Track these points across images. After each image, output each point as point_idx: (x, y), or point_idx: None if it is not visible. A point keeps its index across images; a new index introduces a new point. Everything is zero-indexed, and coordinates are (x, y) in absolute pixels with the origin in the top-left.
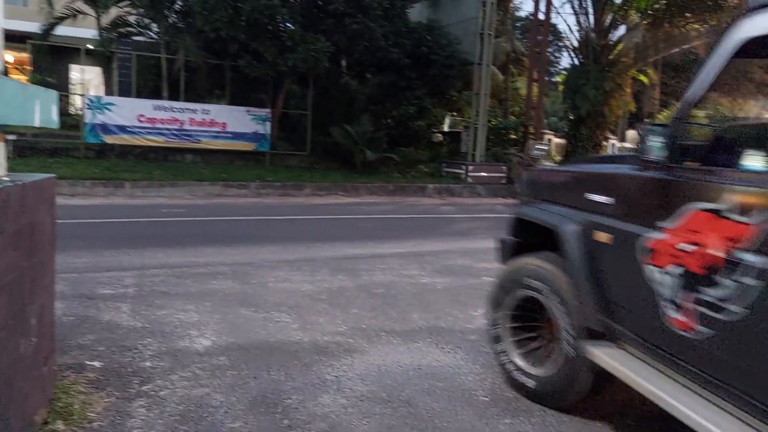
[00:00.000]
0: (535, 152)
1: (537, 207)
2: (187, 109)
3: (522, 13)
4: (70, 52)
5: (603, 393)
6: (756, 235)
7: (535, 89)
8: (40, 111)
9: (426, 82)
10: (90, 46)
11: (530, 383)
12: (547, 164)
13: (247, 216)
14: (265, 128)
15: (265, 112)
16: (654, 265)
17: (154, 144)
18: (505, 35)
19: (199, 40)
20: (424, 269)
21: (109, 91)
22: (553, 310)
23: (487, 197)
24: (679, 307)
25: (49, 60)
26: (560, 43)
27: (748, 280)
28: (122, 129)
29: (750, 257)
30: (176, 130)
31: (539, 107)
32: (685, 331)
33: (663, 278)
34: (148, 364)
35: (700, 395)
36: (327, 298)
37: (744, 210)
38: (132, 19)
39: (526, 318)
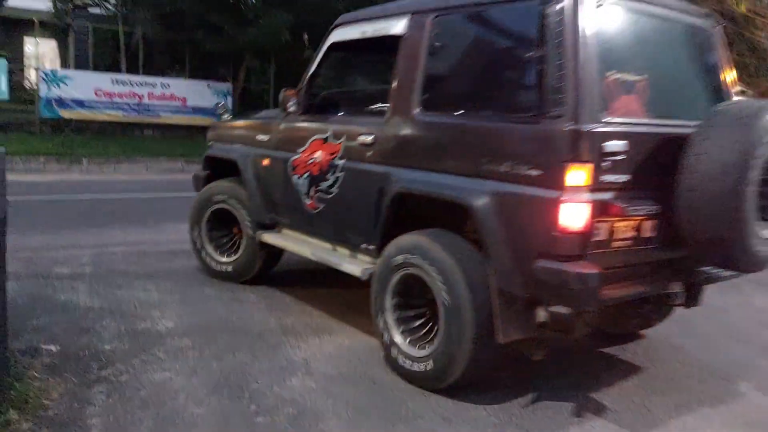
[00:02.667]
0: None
1: (222, 148)
2: (146, 83)
3: None
4: (24, 24)
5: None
6: (341, 149)
7: None
8: None
9: None
10: (44, 19)
11: (229, 269)
12: (226, 117)
13: None
14: (226, 103)
15: (226, 86)
16: (296, 174)
17: (112, 119)
18: None
19: (156, 13)
20: None
21: (65, 65)
22: (237, 213)
23: None
24: (310, 197)
25: (2, 32)
26: None
27: (339, 173)
28: (79, 103)
29: (340, 162)
30: (135, 104)
31: None
32: (313, 209)
33: (301, 181)
34: (107, 346)
35: (324, 245)
36: (298, 278)
37: (336, 136)
38: None
39: (219, 225)
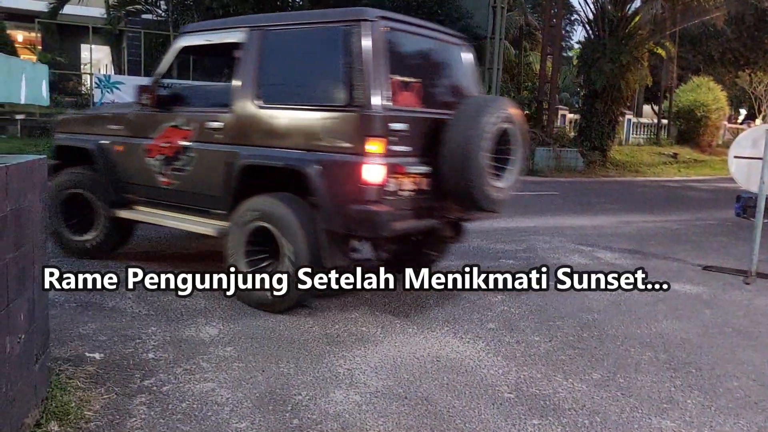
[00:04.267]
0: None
1: (73, 138)
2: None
3: None
4: (80, 30)
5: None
6: (191, 134)
7: (549, 64)
8: (27, 86)
9: None
10: (98, 25)
11: (88, 245)
12: (70, 111)
13: None
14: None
15: None
16: (150, 157)
17: None
18: (517, 9)
19: (207, 18)
20: None
21: (118, 70)
22: (91, 196)
23: None
24: (164, 174)
25: (59, 39)
26: (572, 17)
27: (192, 154)
28: None
29: (190, 144)
30: None
31: (553, 82)
32: (167, 186)
33: (155, 162)
34: (151, 355)
35: (178, 215)
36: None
37: (187, 123)
38: None
39: (75, 208)
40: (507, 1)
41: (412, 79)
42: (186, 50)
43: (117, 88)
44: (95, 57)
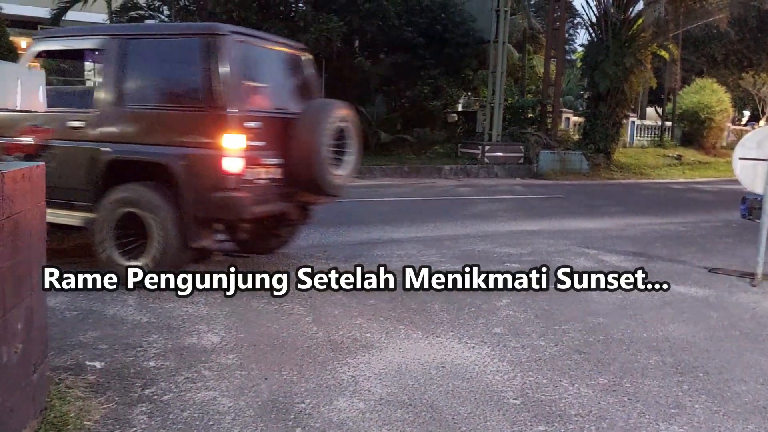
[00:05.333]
0: None
1: None
2: None
3: None
4: None
5: None
6: (55, 132)
7: (553, 67)
8: (22, 92)
9: (441, 62)
10: None
11: None
12: None
13: None
14: None
15: None
16: (8, 155)
17: None
18: (520, 12)
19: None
20: (443, 255)
21: None
22: None
23: (505, 178)
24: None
25: None
26: (575, 20)
27: (54, 151)
28: None
29: (54, 142)
30: None
31: (557, 85)
32: None
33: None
34: (152, 363)
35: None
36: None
37: (49, 122)
38: (142, 2)
39: None
40: (510, 4)
41: (263, 84)
42: (42, 54)
43: None
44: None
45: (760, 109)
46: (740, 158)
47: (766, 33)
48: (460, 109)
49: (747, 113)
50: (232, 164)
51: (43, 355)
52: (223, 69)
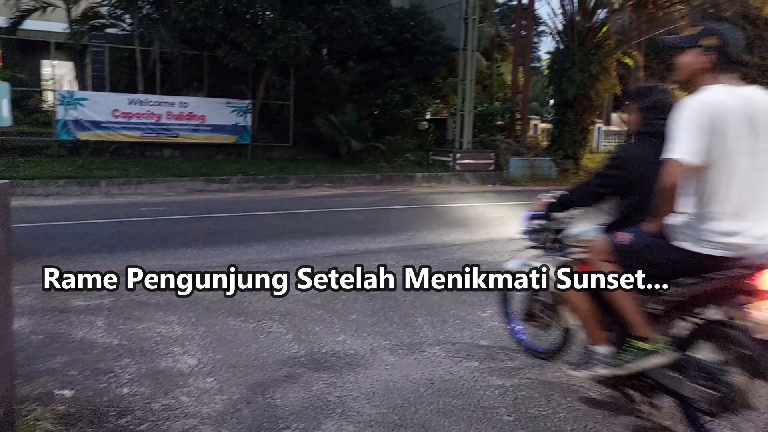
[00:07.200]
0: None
1: None
2: (163, 102)
3: None
4: (41, 46)
5: None
6: None
7: (521, 74)
8: None
9: (410, 69)
10: (61, 40)
11: None
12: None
13: (230, 213)
14: (246, 120)
15: (246, 103)
16: None
17: (130, 139)
18: (488, 20)
19: (174, 31)
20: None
21: (82, 86)
22: None
23: (477, 184)
24: None
25: (19, 55)
26: (539, 28)
27: None
28: (96, 125)
29: None
30: (153, 124)
31: (525, 92)
32: None
33: None
34: (125, 390)
35: None
36: (321, 302)
37: None
38: (104, 10)
39: None
40: (478, 12)
41: None
42: None
43: (81, 105)
44: (58, 73)
45: None
46: None
47: None
48: (428, 117)
49: None
50: None
51: (10, 388)
52: None
